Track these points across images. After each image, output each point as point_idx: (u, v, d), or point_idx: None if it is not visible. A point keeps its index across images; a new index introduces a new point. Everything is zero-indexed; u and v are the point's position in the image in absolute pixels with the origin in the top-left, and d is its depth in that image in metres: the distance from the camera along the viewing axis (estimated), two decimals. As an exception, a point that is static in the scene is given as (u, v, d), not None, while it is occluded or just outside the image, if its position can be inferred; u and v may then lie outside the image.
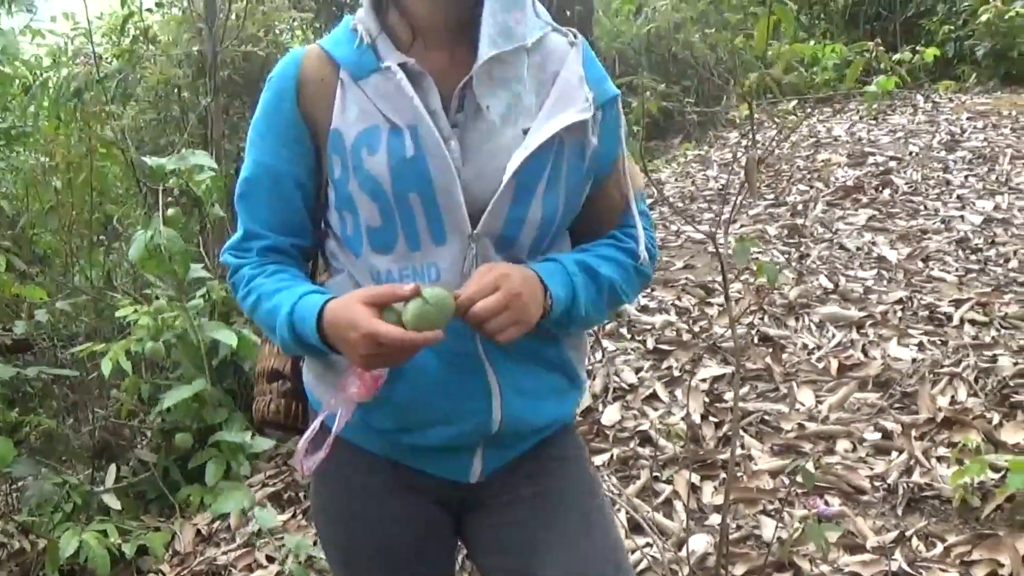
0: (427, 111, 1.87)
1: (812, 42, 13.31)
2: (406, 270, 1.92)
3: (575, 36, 2.01)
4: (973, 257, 6.64)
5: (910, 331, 5.46)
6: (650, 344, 5.54)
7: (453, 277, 1.89)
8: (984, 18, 12.54)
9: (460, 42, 1.92)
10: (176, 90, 7.62)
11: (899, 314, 5.70)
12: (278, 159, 2.01)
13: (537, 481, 2.14)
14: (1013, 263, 6.48)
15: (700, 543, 3.86)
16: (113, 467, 5.01)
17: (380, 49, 1.94)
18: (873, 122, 10.80)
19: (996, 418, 4.56)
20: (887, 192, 8.19)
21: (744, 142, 10.61)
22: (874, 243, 6.97)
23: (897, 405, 4.79)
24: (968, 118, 10.51)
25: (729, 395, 4.93)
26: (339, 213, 1.99)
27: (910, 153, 9.32)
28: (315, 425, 1.96)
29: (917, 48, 10.65)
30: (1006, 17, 12.42)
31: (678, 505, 4.17)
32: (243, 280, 2.05)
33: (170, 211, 4.80)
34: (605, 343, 5.53)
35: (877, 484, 4.18)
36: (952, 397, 4.79)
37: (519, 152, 1.84)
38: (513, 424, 2.02)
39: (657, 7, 11.50)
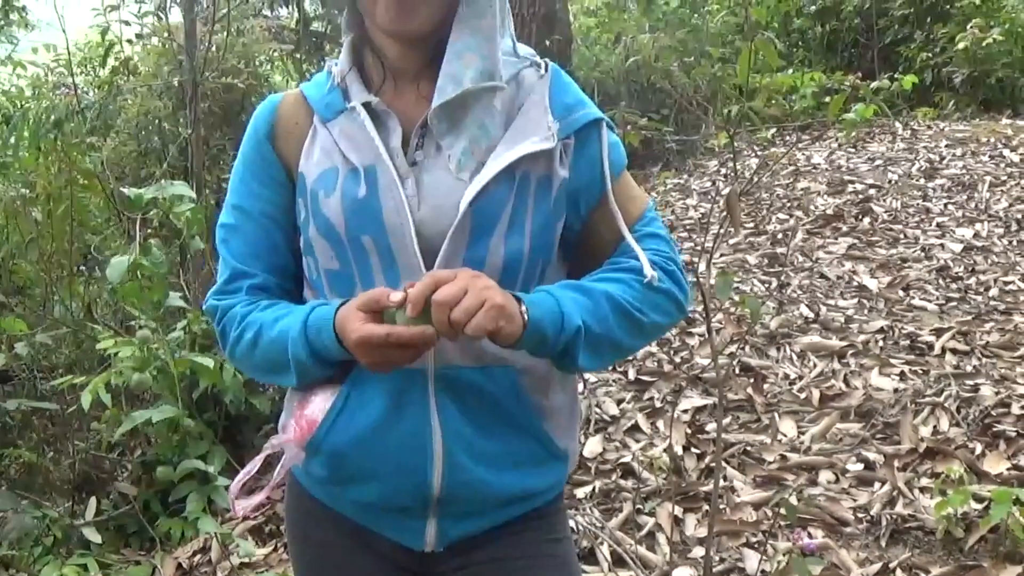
0: (387, 150, 1.85)
1: (791, 70, 13.40)
2: None
3: (545, 68, 1.97)
4: (954, 286, 6.66)
5: (891, 361, 5.47)
6: (631, 375, 5.53)
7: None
8: (962, 45, 12.61)
9: (426, 77, 1.90)
10: (157, 121, 7.61)
11: (880, 343, 5.71)
12: (259, 201, 1.99)
13: (501, 568, 2.01)
14: (993, 291, 6.50)
15: (684, 576, 3.85)
16: (93, 500, 4.98)
17: (350, 88, 1.93)
18: (852, 150, 10.83)
19: (979, 448, 4.57)
20: (867, 220, 8.21)
21: (724, 170, 10.64)
22: (854, 272, 6.99)
23: (879, 436, 4.79)
24: (947, 145, 10.56)
25: (711, 426, 4.93)
26: (306, 258, 1.97)
27: (889, 181, 9.35)
28: (251, 466, 1.92)
29: (895, 75, 10.73)
30: (984, 44, 12.49)
31: (661, 538, 4.16)
32: (235, 319, 1.98)
33: (151, 241, 4.79)
34: (586, 374, 5.52)
35: (860, 515, 4.19)
36: (934, 427, 4.80)
37: (472, 186, 1.79)
38: (463, 490, 1.91)
39: (637, 38, 11.53)
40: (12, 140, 8.36)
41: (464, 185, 1.80)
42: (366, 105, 1.90)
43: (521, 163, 1.83)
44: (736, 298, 4.20)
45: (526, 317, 1.74)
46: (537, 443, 1.97)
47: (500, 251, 1.84)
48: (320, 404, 1.91)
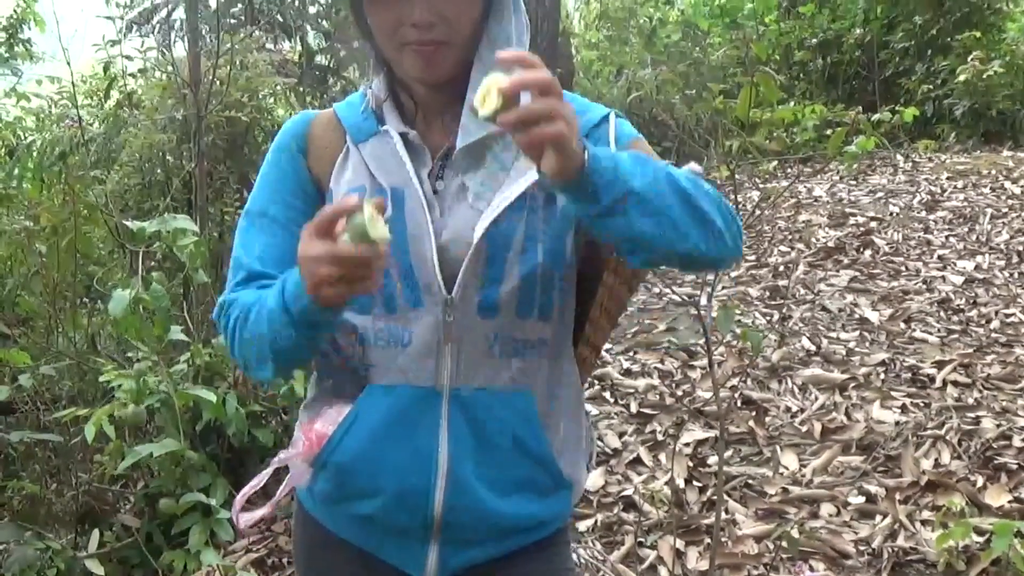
0: (417, 176, 1.89)
1: (792, 102, 13.43)
2: (381, 332, 1.91)
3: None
4: (955, 318, 6.67)
5: (893, 393, 5.47)
6: (633, 408, 5.53)
7: (430, 343, 1.88)
8: (962, 77, 12.66)
9: (451, 111, 1.93)
10: (161, 154, 7.62)
11: (882, 376, 5.72)
12: (290, 210, 1.99)
13: None
14: (995, 323, 6.52)
15: (686, 610, 3.85)
16: (96, 532, 4.97)
17: (386, 116, 1.97)
18: (853, 182, 10.85)
19: (980, 481, 4.58)
20: (868, 253, 8.22)
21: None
22: (856, 304, 7.00)
23: (881, 468, 4.80)
24: (948, 178, 10.57)
25: (713, 459, 4.94)
26: None
27: (891, 213, 9.37)
28: (256, 480, 1.94)
29: (896, 108, 10.78)
30: (984, 76, 12.55)
31: (663, 571, 4.16)
32: (234, 307, 1.92)
33: (154, 274, 4.80)
34: (588, 407, 5.52)
35: (862, 548, 4.19)
36: (936, 460, 4.80)
37: (484, 216, 1.83)
38: (465, 514, 1.92)
39: (639, 74, 11.57)
40: (16, 172, 8.40)
41: (479, 214, 1.85)
42: (403, 135, 1.93)
43: (529, 187, 1.87)
44: (738, 332, 4.21)
45: (586, 166, 1.61)
46: (544, 471, 1.98)
47: (515, 271, 1.87)
48: (331, 418, 1.93)
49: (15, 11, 11.44)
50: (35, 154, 8.39)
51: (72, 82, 7.06)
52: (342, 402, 1.95)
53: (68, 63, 6.76)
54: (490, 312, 1.89)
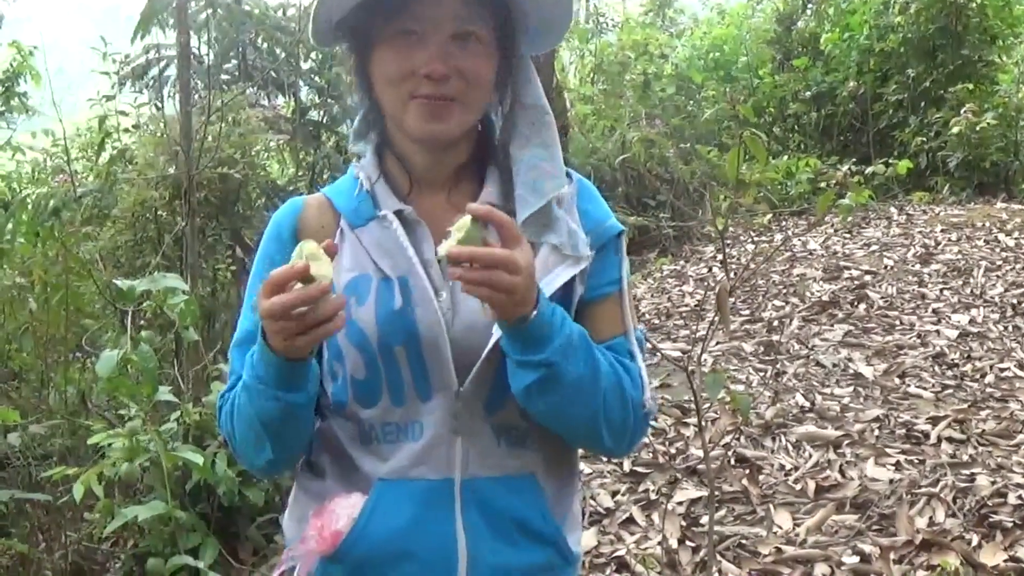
0: (420, 260, 1.85)
1: (786, 155, 13.47)
2: (389, 425, 1.87)
3: (571, 177, 1.97)
4: (949, 373, 6.65)
5: (887, 450, 5.44)
6: (626, 467, 5.50)
7: (441, 436, 1.84)
8: (956, 129, 12.71)
9: (457, 186, 1.91)
10: (153, 211, 7.62)
11: (876, 433, 5.69)
12: None
13: None
14: (989, 378, 6.49)
15: (678, 674, 3.82)
16: (85, 592, 4.95)
17: (379, 196, 1.92)
18: (848, 235, 10.86)
19: (975, 539, 4.54)
20: (862, 307, 8.22)
21: (721, 256, 10.67)
22: (850, 359, 6.97)
23: (875, 527, 4.76)
24: (942, 230, 10.59)
25: (706, 518, 4.90)
26: (331, 364, 1.93)
27: (885, 267, 9.37)
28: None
29: (890, 160, 10.80)
30: (978, 128, 12.60)
31: (655, 633, 4.12)
32: (226, 404, 1.93)
33: (144, 333, 4.78)
34: (581, 466, 5.49)
35: (856, 610, 4.16)
36: (930, 518, 4.77)
37: None
38: None
39: (628, 136, 11.57)
40: (10, 226, 8.39)
41: None
42: (397, 213, 1.90)
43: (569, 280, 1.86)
44: (727, 398, 4.20)
45: (528, 323, 1.70)
46: (556, 552, 1.97)
47: None
48: (343, 513, 1.89)
49: (11, 65, 11.49)
50: (29, 208, 8.39)
51: (64, 137, 7.09)
52: (347, 495, 1.90)
53: (60, 120, 6.79)
54: (495, 408, 1.87)
